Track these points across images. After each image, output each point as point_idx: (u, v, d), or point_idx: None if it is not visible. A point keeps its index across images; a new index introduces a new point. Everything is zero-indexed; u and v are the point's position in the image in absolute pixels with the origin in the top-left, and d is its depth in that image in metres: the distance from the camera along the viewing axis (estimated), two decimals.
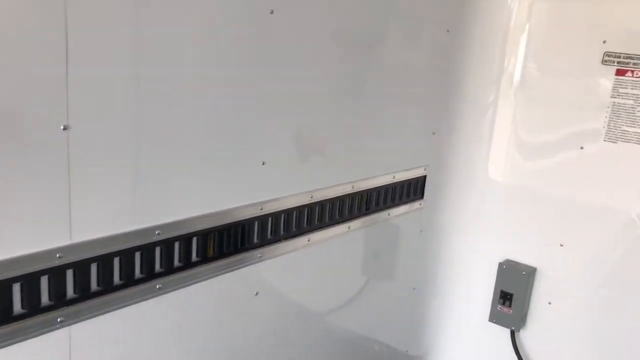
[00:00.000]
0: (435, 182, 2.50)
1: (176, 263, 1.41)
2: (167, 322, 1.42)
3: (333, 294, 2.09)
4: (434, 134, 2.44)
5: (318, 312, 2.03)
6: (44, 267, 1.13)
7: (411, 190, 2.36)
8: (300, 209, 1.76)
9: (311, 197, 1.79)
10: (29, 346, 1.14)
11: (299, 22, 1.59)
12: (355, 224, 2.04)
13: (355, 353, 2.29)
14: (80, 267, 1.19)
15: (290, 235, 1.75)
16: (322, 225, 1.88)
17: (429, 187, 2.46)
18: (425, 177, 2.43)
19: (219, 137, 1.44)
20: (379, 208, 2.16)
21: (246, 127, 1.50)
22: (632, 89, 2.23)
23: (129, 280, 1.30)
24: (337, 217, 1.95)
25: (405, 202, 2.34)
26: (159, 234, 1.32)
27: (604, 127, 2.31)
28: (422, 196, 2.45)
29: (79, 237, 1.17)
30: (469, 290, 2.69)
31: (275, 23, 1.50)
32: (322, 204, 1.85)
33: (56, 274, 1.15)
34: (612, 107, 2.28)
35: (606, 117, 2.29)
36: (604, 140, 2.31)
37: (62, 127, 1.09)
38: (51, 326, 1.16)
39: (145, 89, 1.24)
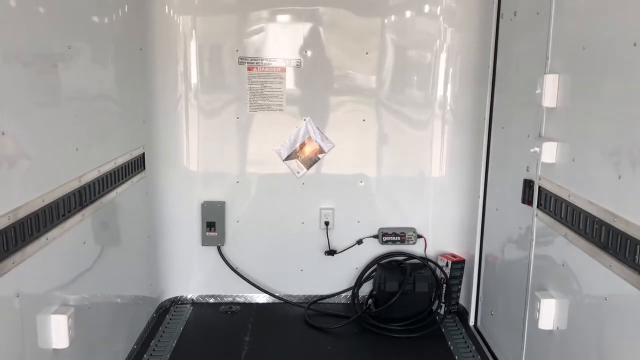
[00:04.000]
0: (152, 156, 3.50)
1: None
2: None
3: (90, 274, 2.61)
4: (144, 122, 3.42)
5: (81, 295, 2.49)
6: None
7: (136, 165, 3.28)
8: (38, 212, 2.07)
9: (43, 201, 2.11)
10: None
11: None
12: (90, 209, 2.55)
13: (119, 306, 3.06)
14: None
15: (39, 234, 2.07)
16: (59, 221, 2.24)
17: (148, 160, 3.44)
18: (144, 153, 3.39)
19: None
20: (113, 187, 2.85)
21: None
22: (258, 78, 3.69)
23: None
24: (74, 208, 2.37)
25: (134, 175, 3.23)
26: None
27: (248, 103, 3.71)
28: (144, 168, 3.41)
29: None
30: (185, 227, 3.80)
31: None
32: (56, 203, 2.19)
33: None
34: (250, 90, 3.71)
35: (248, 96, 3.71)
36: (249, 111, 3.73)
37: None
38: None
39: None
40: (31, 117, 2.10)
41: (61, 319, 2.21)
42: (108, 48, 2.85)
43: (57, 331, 2.21)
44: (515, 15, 3.03)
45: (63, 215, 2.30)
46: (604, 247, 2.04)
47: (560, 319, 2.41)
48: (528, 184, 2.77)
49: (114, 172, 2.88)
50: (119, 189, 2.95)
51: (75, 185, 2.41)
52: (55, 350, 2.23)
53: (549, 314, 2.44)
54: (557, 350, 2.43)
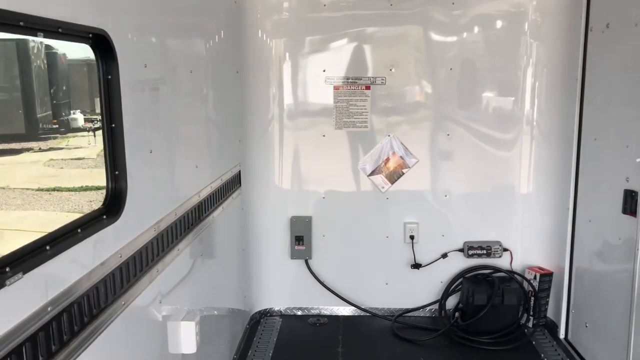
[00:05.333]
0: (247, 173, 3.67)
1: None
2: None
3: (203, 285, 2.78)
4: (240, 141, 3.59)
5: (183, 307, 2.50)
6: None
7: (235, 182, 3.44)
8: (172, 225, 2.25)
9: (175, 214, 2.29)
10: None
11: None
12: (205, 223, 2.74)
13: (221, 318, 3.20)
14: None
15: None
16: (186, 234, 2.43)
17: (244, 177, 3.60)
18: (240, 171, 3.56)
19: None
20: (220, 202, 3.03)
21: None
22: (344, 97, 3.82)
23: None
24: (195, 221, 2.56)
25: (234, 191, 3.39)
26: None
27: (333, 121, 3.84)
28: (240, 185, 3.57)
29: None
30: (275, 241, 3.94)
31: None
32: (183, 217, 2.39)
33: None
34: (336, 109, 3.83)
35: (334, 115, 3.84)
36: (335, 129, 3.85)
37: None
38: None
39: None
40: (166, 136, 2.28)
41: (190, 326, 2.36)
42: (211, 72, 3.03)
43: (187, 337, 2.35)
44: (607, 27, 3.06)
45: (188, 229, 2.46)
46: None
47: None
48: (630, 195, 2.77)
49: (221, 188, 3.04)
50: (224, 204, 3.11)
51: (195, 200, 2.57)
52: (184, 355, 2.37)
53: None
54: None
